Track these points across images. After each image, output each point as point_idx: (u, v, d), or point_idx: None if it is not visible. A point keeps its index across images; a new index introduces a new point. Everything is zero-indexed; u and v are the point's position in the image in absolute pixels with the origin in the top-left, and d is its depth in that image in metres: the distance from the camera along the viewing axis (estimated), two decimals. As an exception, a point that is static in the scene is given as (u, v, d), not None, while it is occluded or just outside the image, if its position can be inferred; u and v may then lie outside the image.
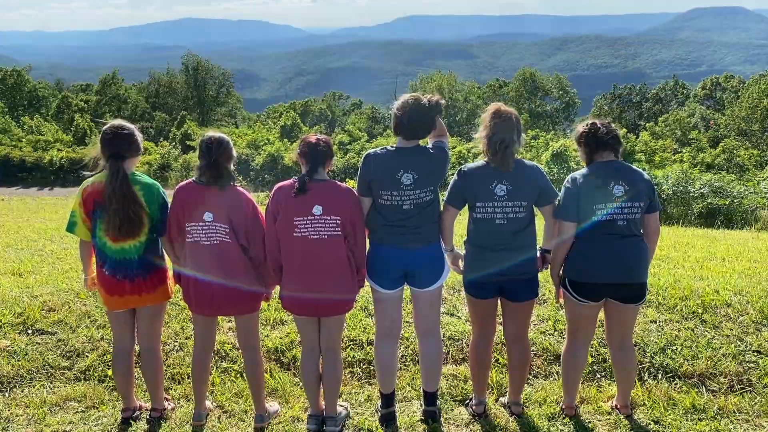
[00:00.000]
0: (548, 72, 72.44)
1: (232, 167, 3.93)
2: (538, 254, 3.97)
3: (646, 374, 4.53)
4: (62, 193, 26.91)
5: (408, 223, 3.77)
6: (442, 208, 3.92)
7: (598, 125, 3.93)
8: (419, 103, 3.74)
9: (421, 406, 4.15)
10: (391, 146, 3.84)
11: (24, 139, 43.20)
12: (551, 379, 4.60)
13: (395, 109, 3.78)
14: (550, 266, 4.02)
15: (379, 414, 4.08)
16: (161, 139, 49.69)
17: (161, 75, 70.73)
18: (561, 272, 3.96)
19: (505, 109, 3.84)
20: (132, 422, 4.11)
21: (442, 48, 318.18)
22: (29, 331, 5.11)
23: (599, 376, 4.59)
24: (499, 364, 4.65)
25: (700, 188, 15.47)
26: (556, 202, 3.88)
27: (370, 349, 4.77)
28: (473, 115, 57.38)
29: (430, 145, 3.88)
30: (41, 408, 4.31)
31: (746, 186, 16.76)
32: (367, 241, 3.93)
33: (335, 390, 3.98)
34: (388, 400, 4.04)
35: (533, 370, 4.68)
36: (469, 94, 62.48)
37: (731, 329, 4.90)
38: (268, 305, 5.41)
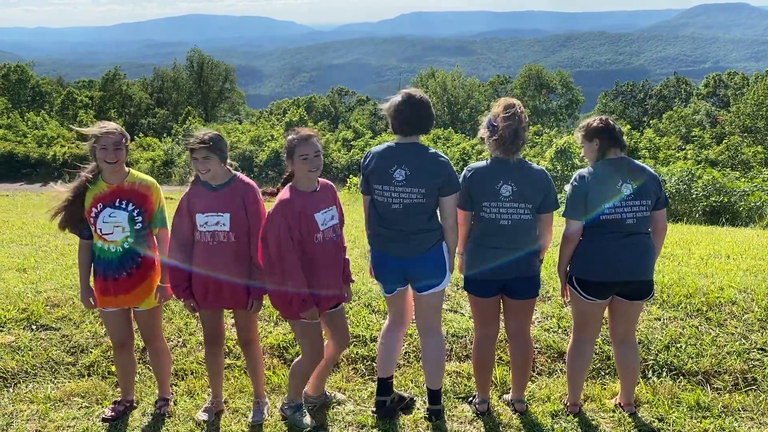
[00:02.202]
0: (552, 69, 72.20)
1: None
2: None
3: (650, 372, 4.51)
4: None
5: (401, 228, 3.74)
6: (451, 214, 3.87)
7: (611, 121, 3.92)
8: (411, 97, 3.73)
9: (424, 403, 4.14)
10: (392, 142, 3.86)
11: (29, 135, 43.31)
12: (555, 376, 4.59)
13: (385, 110, 3.80)
14: (557, 264, 4.01)
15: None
16: (164, 135, 49.79)
17: (166, 71, 70.79)
18: (567, 269, 3.95)
19: (517, 101, 3.85)
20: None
21: (445, 44, 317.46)
22: (33, 327, 5.12)
23: (603, 373, 4.58)
24: (503, 361, 4.64)
25: (704, 186, 15.41)
26: (556, 211, 3.90)
27: (374, 345, 4.77)
28: (476, 111, 57.33)
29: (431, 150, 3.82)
30: (45, 404, 4.32)
31: (753, 183, 16.69)
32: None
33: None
34: (381, 385, 4.04)
35: (537, 367, 4.67)
36: (472, 91, 62.36)
37: (736, 327, 4.89)
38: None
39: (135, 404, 4.32)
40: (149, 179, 4.06)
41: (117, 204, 3.91)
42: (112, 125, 3.90)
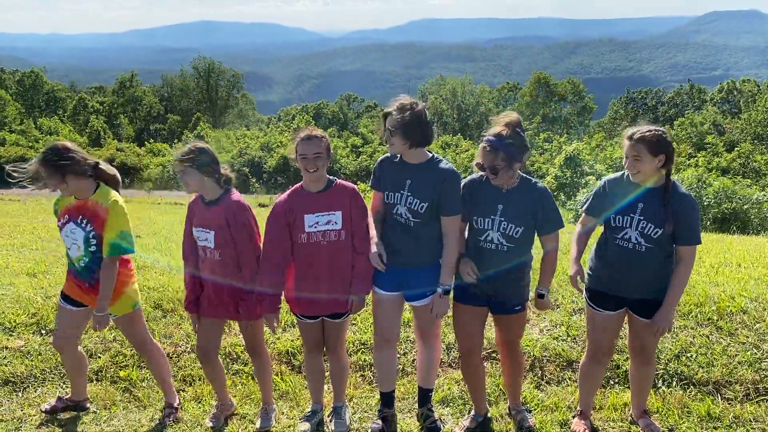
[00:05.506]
0: (562, 75, 72.08)
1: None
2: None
3: (661, 381, 4.47)
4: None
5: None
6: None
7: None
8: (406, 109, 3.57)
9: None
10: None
11: (41, 140, 43.70)
12: (564, 384, 4.55)
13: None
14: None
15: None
16: (175, 141, 50.06)
17: (173, 77, 71.28)
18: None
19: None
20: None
21: (454, 51, 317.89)
22: (43, 332, 5.15)
23: (613, 382, 4.54)
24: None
25: (716, 194, 15.31)
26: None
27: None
28: (486, 118, 57.21)
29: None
30: (54, 408, 4.33)
31: (764, 191, 16.56)
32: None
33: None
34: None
35: (545, 375, 4.64)
36: (482, 98, 62.38)
37: (747, 336, 4.83)
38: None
39: (86, 405, 4.31)
40: (110, 201, 3.82)
41: (78, 221, 3.85)
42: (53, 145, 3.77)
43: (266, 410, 4.16)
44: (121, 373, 4.73)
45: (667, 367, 4.56)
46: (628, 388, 4.28)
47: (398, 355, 4.78)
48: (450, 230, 3.67)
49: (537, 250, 3.78)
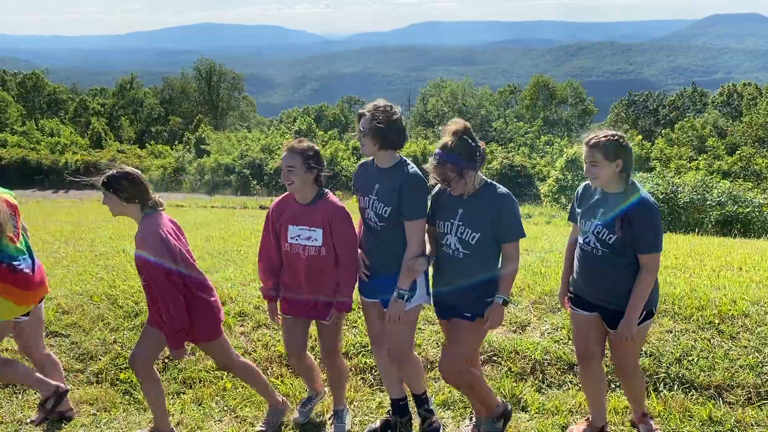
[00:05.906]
0: (563, 78, 72.10)
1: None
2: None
3: (662, 385, 4.46)
4: (78, 195, 27.15)
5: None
6: None
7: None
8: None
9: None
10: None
11: (42, 142, 43.79)
12: (564, 388, 4.54)
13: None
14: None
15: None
16: (176, 143, 50.13)
17: (174, 80, 71.35)
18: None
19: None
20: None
21: (456, 53, 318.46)
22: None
23: (614, 386, 4.53)
24: (512, 372, 4.59)
25: (718, 196, 15.30)
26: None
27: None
28: (486, 121, 57.32)
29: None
30: (54, 410, 4.32)
31: (765, 194, 16.55)
32: None
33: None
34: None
35: (546, 379, 4.63)
36: (483, 100, 62.41)
37: (749, 340, 4.82)
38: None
39: (71, 416, 4.24)
40: None
41: None
42: None
43: (270, 415, 4.10)
44: (122, 376, 4.73)
45: (669, 370, 4.55)
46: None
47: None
48: (410, 235, 3.60)
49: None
